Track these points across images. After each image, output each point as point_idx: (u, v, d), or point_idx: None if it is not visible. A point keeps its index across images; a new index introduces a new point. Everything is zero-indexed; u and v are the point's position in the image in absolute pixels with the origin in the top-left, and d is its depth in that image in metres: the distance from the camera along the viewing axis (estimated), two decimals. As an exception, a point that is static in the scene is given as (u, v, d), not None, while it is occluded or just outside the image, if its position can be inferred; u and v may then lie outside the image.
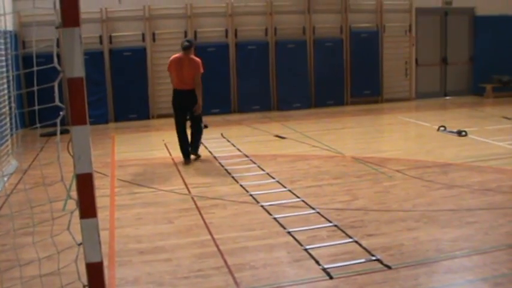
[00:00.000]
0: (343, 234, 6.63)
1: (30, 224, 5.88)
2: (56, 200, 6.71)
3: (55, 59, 3.22)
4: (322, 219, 7.21)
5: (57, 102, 3.23)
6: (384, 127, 15.19)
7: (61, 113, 3.28)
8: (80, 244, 3.40)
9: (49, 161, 11.00)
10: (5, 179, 9.71)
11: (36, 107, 3.48)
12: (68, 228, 3.78)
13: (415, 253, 6.06)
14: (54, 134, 15.36)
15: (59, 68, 3.19)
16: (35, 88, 3.47)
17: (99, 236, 3.37)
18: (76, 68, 3.09)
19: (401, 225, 6.92)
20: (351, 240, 6.45)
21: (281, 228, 6.91)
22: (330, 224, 6.99)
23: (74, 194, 3.52)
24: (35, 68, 3.51)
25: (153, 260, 6.08)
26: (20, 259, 5.31)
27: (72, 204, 3.56)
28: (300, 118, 16.18)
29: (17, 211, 6.93)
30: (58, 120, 3.36)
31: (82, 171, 3.24)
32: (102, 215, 7.54)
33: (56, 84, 3.22)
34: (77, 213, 3.44)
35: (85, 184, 3.26)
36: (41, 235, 5.63)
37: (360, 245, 6.28)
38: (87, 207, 3.30)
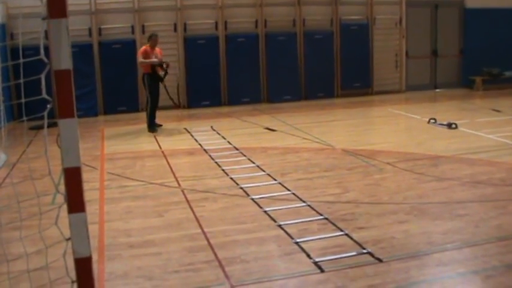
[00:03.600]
0: (334, 227, 6.60)
1: (18, 218, 5.82)
2: (45, 194, 6.70)
3: (41, 51, 3.16)
4: (313, 212, 7.18)
5: (44, 95, 3.17)
6: (374, 119, 15.18)
7: (48, 105, 3.22)
8: (68, 239, 3.35)
9: (38, 154, 10.90)
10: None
11: (23, 100, 3.42)
12: (56, 223, 3.73)
13: (406, 246, 6.04)
14: (43, 127, 15.20)
15: (45, 60, 3.13)
16: (21, 81, 3.41)
17: (87, 230, 3.32)
18: (63, 60, 3.03)
19: (392, 218, 6.90)
20: (341, 233, 6.42)
21: (272, 221, 6.88)
22: (321, 217, 6.96)
23: (62, 188, 3.47)
24: (21, 60, 3.46)
25: (142, 254, 6.04)
26: (8, 254, 5.24)
27: (60, 198, 3.51)
28: (290, 110, 16.14)
29: (5, 205, 6.87)
30: (45, 113, 3.31)
31: (70, 165, 3.19)
32: (91, 208, 7.56)
33: (42, 76, 3.16)
34: (65, 207, 3.38)
35: (73, 178, 3.20)
36: (29, 229, 5.59)
37: (351, 238, 6.25)
38: (75, 202, 3.25)
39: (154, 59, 13.24)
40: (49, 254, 4.45)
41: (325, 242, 6.20)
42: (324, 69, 18.28)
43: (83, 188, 3.30)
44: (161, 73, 13.29)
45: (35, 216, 4.85)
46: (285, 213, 7.16)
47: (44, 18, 3.01)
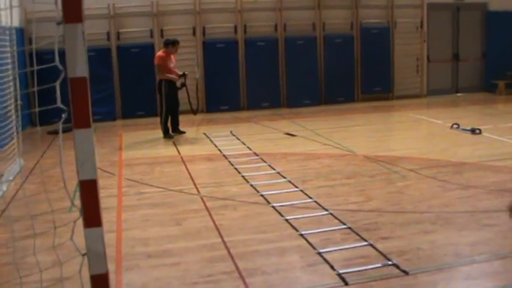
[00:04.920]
0: (358, 237, 6.41)
1: (33, 228, 5.69)
2: (62, 200, 6.57)
3: (56, 57, 3.01)
4: (336, 221, 7.00)
5: (58, 103, 3.02)
6: (395, 125, 14.96)
7: (63, 115, 3.07)
8: (84, 254, 3.19)
9: (55, 159, 10.82)
10: (11, 178, 9.54)
11: (37, 109, 3.27)
12: (71, 238, 3.57)
13: (432, 258, 5.84)
14: (62, 131, 15.15)
15: (60, 67, 2.98)
16: (35, 88, 3.26)
17: (104, 246, 3.16)
18: (79, 67, 2.88)
19: (417, 228, 6.70)
20: (365, 243, 6.23)
21: (293, 231, 6.70)
22: (344, 226, 6.77)
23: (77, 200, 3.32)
24: (35, 68, 3.32)
25: (160, 265, 5.89)
26: (21, 266, 5.10)
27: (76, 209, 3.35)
28: (310, 115, 15.95)
29: (20, 216, 6.76)
30: (60, 124, 3.15)
31: (85, 178, 3.03)
32: (108, 216, 7.44)
33: (57, 84, 3.01)
34: (81, 221, 3.23)
35: (89, 191, 3.05)
36: (44, 238, 5.45)
37: (375, 248, 6.06)
38: (92, 216, 3.09)
39: (179, 73, 13.28)
40: (64, 269, 4.30)
41: (348, 252, 6.01)
42: (344, 73, 18.07)
43: (100, 201, 3.14)
44: (179, 83, 13.21)
45: (50, 229, 4.68)
46: (306, 222, 6.98)
47: (58, 23, 2.86)
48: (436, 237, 6.39)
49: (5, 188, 8.98)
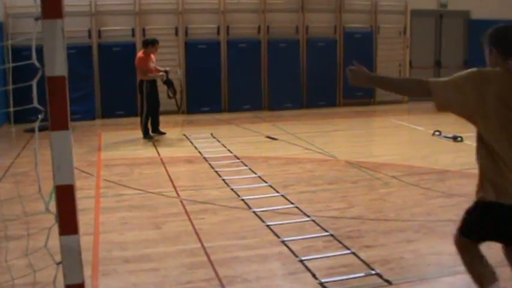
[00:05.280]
0: (340, 245, 6.29)
1: (6, 232, 5.52)
2: (38, 201, 6.36)
3: (33, 55, 2.85)
4: (318, 227, 6.87)
5: (35, 103, 2.86)
6: (377, 130, 14.91)
7: (39, 115, 2.91)
8: (59, 263, 3.03)
9: (32, 158, 10.61)
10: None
11: (12, 108, 3.10)
12: (46, 246, 3.40)
13: (416, 267, 5.74)
14: (39, 129, 14.94)
15: (37, 64, 2.82)
16: (10, 86, 3.10)
17: (80, 254, 3.00)
18: (57, 66, 2.72)
19: (400, 236, 6.60)
20: (348, 251, 6.11)
21: (275, 237, 6.56)
22: (326, 234, 6.65)
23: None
24: (10, 65, 3.15)
25: (139, 270, 5.72)
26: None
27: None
28: (292, 119, 15.85)
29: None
30: (36, 125, 3.00)
31: (62, 182, 2.88)
32: (86, 218, 7.25)
33: (34, 83, 2.85)
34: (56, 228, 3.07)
35: (65, 197, 2.89)
36: (18, 243, 5.28)
37: (358, 257, 5.94)
38: (67, 223, 2.93)
39: (161, 72, 13.17)
40: (38, 276, 4.12)
41: (331, 260, 5.89)
42: (326, 77, 17.99)
43: (77, 208, 2.98)
44: (162, 78, 13.07)
45: (26, 229, 4.51)
46: (288, 229, 6.85)
47: (37, 19, 2.70)
48: (419, 246, 6.29)
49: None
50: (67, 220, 2.92)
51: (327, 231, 6.71)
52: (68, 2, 15.62)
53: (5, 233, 5.67)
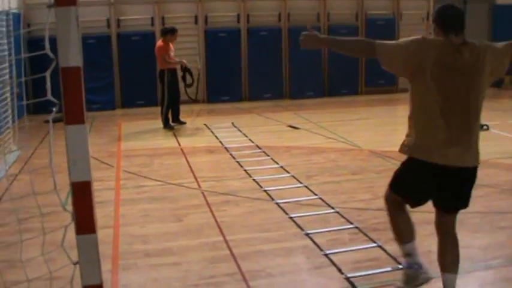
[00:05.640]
0: (366, 238, 6.13)
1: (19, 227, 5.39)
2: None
3: (47, 45, 2.70)
4: (342, 219, 6.70)
5: (49, 96, 2.70)
6: (400, 119, 14.49)
7: (53, 109, 2.76)
8: (76, 263, 2.88)
9: (52, 149, 10.52)
10: (6, 167, 9.24)
11: (25, 101, 2.95)
12: (62, 245, 3.25)
13: (445, 261, 5.54)
14: (58, 120, 14.88)
15: (51, 55, 2.66)
16: (22, 78, 2.95)
17: (98, 254, 2.85)
18: (72, 56, 2.56)
19: (427, 229, 6.34)
20: (374, 245, 5.94)
21: (298, 230, 6.40)
22: (351, 226, 6.48)
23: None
24: (23, 55, 3.00)
25: (160, 264, 5.59)
26: (6, 281, 4.78)
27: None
28: (313, 107, 15.62)
29: (13, 209, 6.45)
30: (50, 119, 2.85)
31: (78, 179, 2.72)
32: (106, 210, 7.15)
33: (47, 74, 2.70)
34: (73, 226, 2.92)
35: (82, 194, 2.74)
36: (36, 239, 5.15)
37: (385, 250, 5.77)
38: (84, 222, 2.78)
39: (179, 60, 12.99)
40: (54, 279, 3.97)
41: (357, 254, 5.72)
42: (348, 65, 17.66)
43: (94, 205, 2.83)
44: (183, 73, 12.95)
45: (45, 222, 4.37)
46: (312, 221, 6.68)
47: (50, 6, 2.54)
48: (448, 239, 6.09)
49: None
50: (84, 218, 2.77)
51: (352, 224, 6.54)
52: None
53: (21, 226, 5.55)
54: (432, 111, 4.24)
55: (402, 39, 4.38)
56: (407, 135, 4.50)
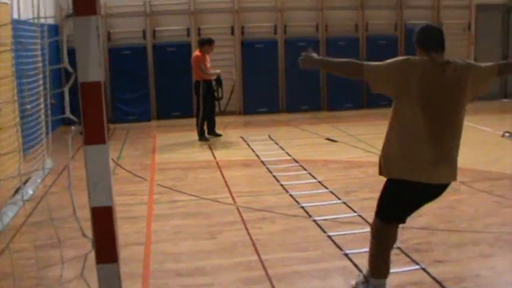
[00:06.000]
0: (408, 259, 5.81)
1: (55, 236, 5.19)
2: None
3: (65, 58, 2.48)
4: (383, 239, 6.38)
5: (67, 114, 2.48)
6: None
7: (73, 127, 2.54)
8: (96, 295, 2.65)
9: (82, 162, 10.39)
10: (39, 180, 9.13)
11: (48, 117, 2.74)
12: (82, 275, 3.02)
13: (494, 287, 5.21)
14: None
15: (70, 69, 2.44)
16: (47, 91, 2.73)
17: (120, 284, 2.61)
18: (91, 70, 2.34)
19: (474, 251, 6.06)
20: (417, 267, 5.62)
21: (337, 249, 6.12)
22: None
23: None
24: (47, 67, 2.79)
25: (192, 285, 5.37)
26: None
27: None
28: (351, 119, 15.31)
29: (44, 222, 6.28)
30: (70, 140, 2.62)
31: (98, 204, 2.49)
32: (138, 226, 6.95)
33: (66, 89, 2.48)
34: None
35: (103, 220, 2.50)
36: (65, 252, 4.96)
37: (429, 273, 5.45)
38: (105, 250, 2.54)
39: (216, 71, 12.78)
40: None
41: (399, 277, 5.40)
42: (387, 76, 17.35)
43: (117, 233, 2.59)
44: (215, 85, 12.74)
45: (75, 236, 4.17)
46: (351, 240, 6.39)
47: (68, 16, 2.32)
48: (496, 261, 5.76)
49: (31, 192, 8.57)
50: (105, 247, 2.54)
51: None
52: (122, 2, 15.58)
53: (56, 240, 5.37)
54: (417, 130, 4.34)
55: (388, 60, 4.48)
56: (384, 155, 4.54)
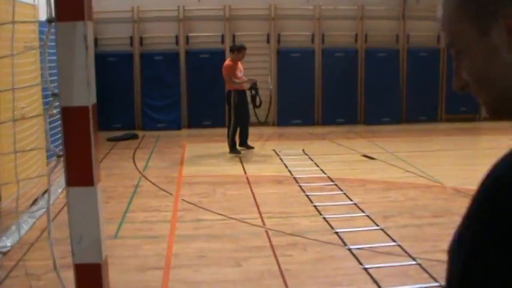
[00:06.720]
0: None
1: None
2: (109, 223, 5.65)
3: (46, 75, 1.90)
4: (425, 274, 5.76)
5: (50, 147, 1.94)
6: (487, 151, 13.45)
7: (53, 158, 2.00)
8: None
9: (111, 171, 9.95)
10: (59, 190, 8.68)
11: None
12: None
13: None
14: (121, 138, 14.55)
15: (52, 89, 1.90)
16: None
17: None
18: (76, 91, 1.79)
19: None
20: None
21: (374, 285, 5.51)
22: (436, 284, 5.53)
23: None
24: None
25: (212, 322, 4.81)
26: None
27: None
28: (389, 135, 14.63)
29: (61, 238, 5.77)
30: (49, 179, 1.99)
31: (83, 261, 1.95)
32: (158, 247, 6.40)
33: (47, 115, 1.94)
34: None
35: (88, 280, 1.96)
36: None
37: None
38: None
39: (248, 78, 12.28)
40: None
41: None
42: (428, 90, 16.63)
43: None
44: (251, 92, 12.17)
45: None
46: (389, 274, 5.79)
47: (50, 21, 1.79)
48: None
49: (51, 202, 8.11)
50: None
51: (436, 281, 5.58)
52: (156, 7, 15.14)
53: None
54: None
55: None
56: None
